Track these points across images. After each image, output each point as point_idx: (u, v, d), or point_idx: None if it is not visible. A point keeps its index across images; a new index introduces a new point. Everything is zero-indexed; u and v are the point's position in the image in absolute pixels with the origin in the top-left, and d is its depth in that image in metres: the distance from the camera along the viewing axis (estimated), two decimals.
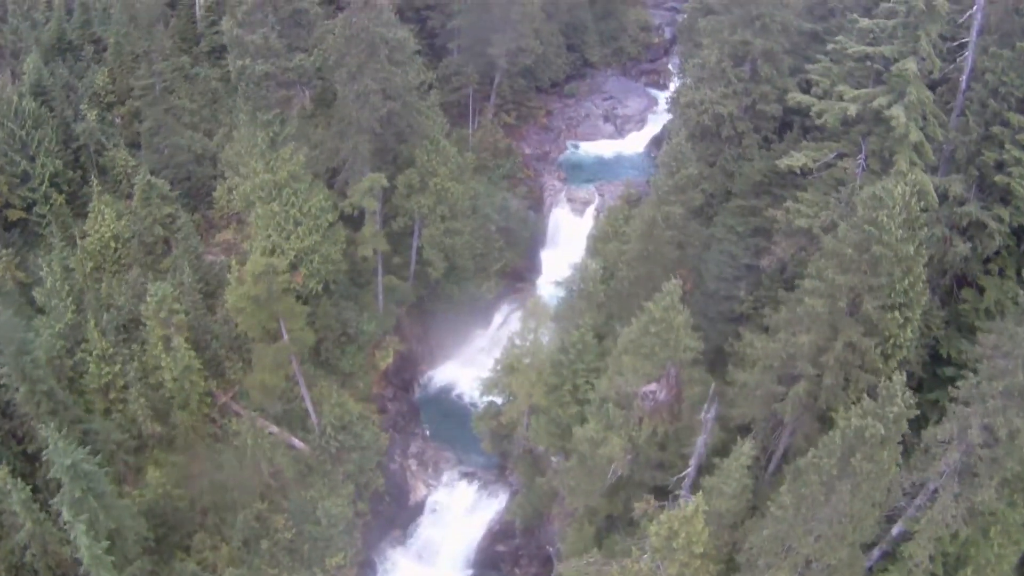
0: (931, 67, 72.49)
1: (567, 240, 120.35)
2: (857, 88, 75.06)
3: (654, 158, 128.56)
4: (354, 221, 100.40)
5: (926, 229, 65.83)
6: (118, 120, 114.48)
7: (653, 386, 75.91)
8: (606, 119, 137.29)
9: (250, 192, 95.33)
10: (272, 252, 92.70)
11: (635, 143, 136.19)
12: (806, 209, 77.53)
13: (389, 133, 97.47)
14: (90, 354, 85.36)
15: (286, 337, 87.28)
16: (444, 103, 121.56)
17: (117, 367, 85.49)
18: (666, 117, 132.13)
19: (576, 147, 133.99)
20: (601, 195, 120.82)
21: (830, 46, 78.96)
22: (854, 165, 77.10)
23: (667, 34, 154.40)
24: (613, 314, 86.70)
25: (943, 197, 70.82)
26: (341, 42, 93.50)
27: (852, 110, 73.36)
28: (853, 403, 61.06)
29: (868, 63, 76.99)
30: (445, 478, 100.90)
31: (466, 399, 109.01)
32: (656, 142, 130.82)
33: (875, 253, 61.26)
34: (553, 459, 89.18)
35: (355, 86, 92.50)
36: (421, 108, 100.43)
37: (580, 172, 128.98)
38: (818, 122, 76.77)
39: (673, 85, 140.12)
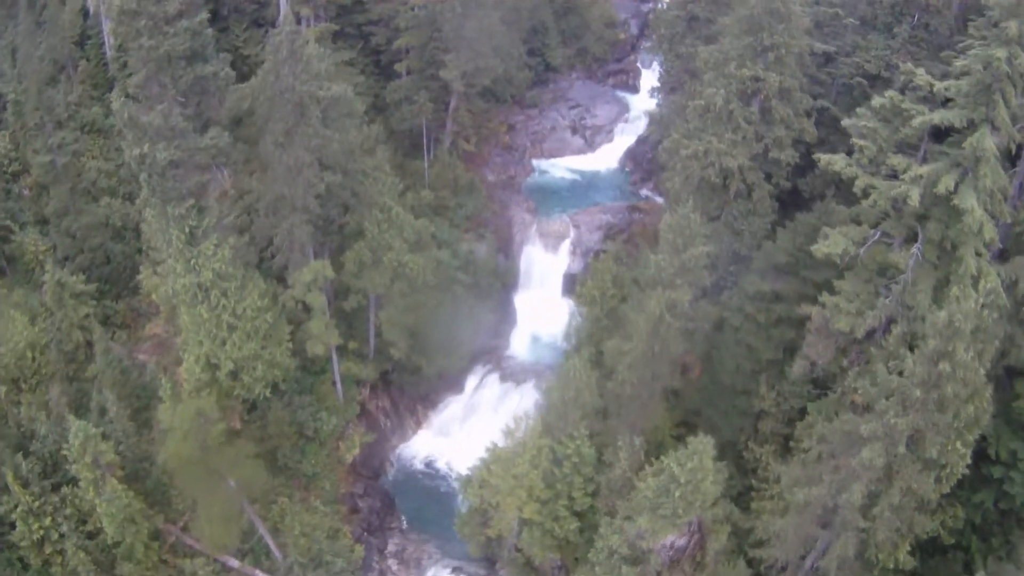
0: (1008, 140, 56.52)
1: (541, 280, 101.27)
2: (908, 156, 59.54)
3: (628, 172, 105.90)
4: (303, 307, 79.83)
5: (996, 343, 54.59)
6: (26, 192, 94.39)
7: (672, 537, 63.95)
8: (574, 131, 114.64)
9: (171, 296, 76.49)
10: (206, 362, 75.85)
11: (607, 156, 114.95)
12: (846, 305, 62.00)
13: (331, 206, 76.24)
14: (14, 508, 70.22)
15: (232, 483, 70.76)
16: (395, 132, 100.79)
17: (48, 520, 70.91)
18: (638, 125, 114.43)
19: (543, 172, 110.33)
20: (576, 227, 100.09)
21: (877, 100, 60.63)
22: (906, 255, 60.31)
23: (633, 28, 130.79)
24: (611, 412, 71.94)
25: (1007, 288, 57.43)
26: (263, 106, 72.76)
27: (913, 196, 56.49)
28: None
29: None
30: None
31: (444, 473, 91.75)
32: (631, 155, 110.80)
33: (947, 392, 50.49)
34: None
35: (284, 158, 71.19)
36: (368, 170, 76.62)
37: (550, 198, 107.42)
38: (865, 203, 60.50)
39: (645, 85, 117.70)
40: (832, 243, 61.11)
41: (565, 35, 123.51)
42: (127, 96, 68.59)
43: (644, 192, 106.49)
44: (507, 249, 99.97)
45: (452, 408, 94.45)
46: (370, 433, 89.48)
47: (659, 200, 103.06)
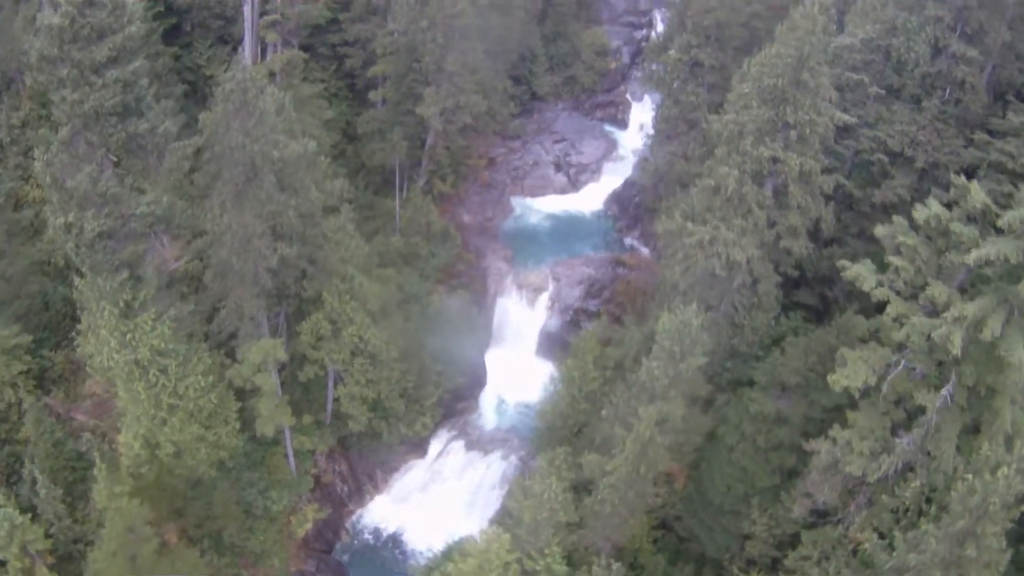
0: None
1: (516, 336, 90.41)
2: (948, 285, 49.40)
3: (613, 217, 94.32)
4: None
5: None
6: None
7: None
8: (558, 168, 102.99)
9: (106, 369, 64.22)
10: (145, 440, 64.82)
11: (591, 197, 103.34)
12: (858, 444, 52.33)
13: (286, 274, 65.06)
14: None
15: None
16: (365, 166, 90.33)
17: None
18: (625, 165, 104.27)
19: (523, 214, 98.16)
20: (556, 279, 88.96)
21: (921, 214, 49.93)
22: (933, 396, 50.06)
23: (625, 56, 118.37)
24: (587, 525, 62.11)
25: None
26: (210, 163, 62.01)
27: (955, 341, 46.19)
28: None
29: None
30: None
31: (401, 544, 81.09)
32: (617, 199, 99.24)
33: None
34: None
35: (232, 225, 60.14)
36: (330, 233, 64.95)
37: (530, 244, 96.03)
38: (896, 335, 50.16)
39: (635, 120, 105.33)
40: (851, 374, 50.86)
41: (553, 62, 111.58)
42: (48, 154, 56.17)
43: (629, 241, 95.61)
44: (481, 301, 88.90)
45: (413, 473, 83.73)
46: (324, 509, 78.93)
47: (644, 251, 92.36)
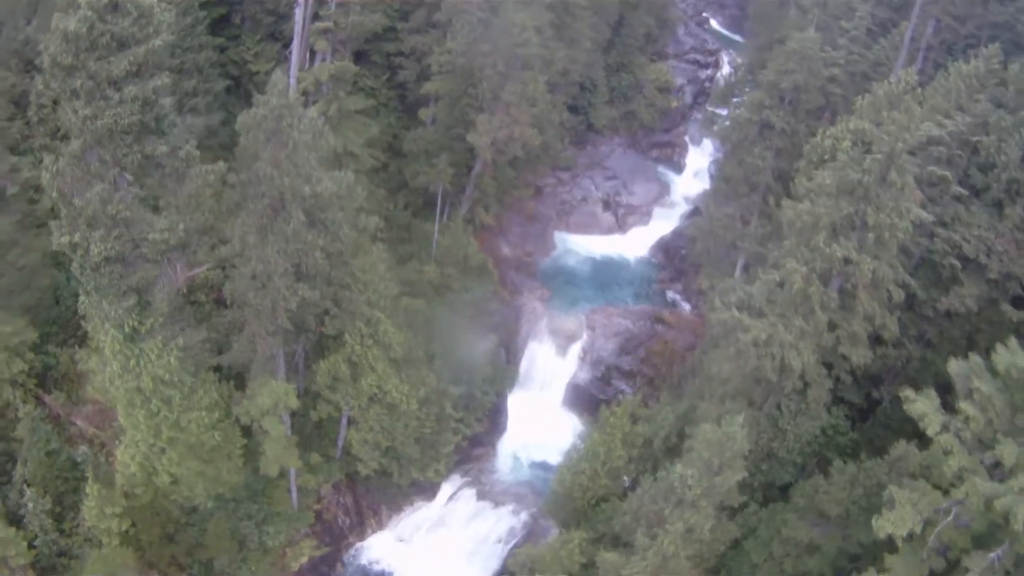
0: None
1: (542, 383, 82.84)
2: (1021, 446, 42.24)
3: (657, 266, 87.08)
4: None
5: None
6: None
7: None
8: (606, 206, 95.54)
9: (106, 391, 58.77)
10: (142, 464, 58.74)
11: (637, 242, 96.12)
12: None
13: (306, 312, 57.78)
14: None
15: None
16: (408, 185, 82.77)
17: None
18: (676, 212, 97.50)
19: (565, 251, 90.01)
20: (591, 328, 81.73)
21: (1003, 360, 43.36)
22: (980, 557, 43.79)
23: (687, 96, 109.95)
24: None
25: None
26: (235, 191, 54.77)
27: (1018, 515, 40.16)
28: None
29: None
30: None
31: None
32: (663, 247, 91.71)
33: None
34: None
35: (253, 262, 53.10)
36: (359, 272, 57.93)
37: (568, 285, 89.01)
38: (955, 493, 44.19)
39: (691, 165, 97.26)
40: (898, 520, 44.33)
41: (614, 94, 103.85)
42: (58, 165, 48.91)
43: (671, 295, 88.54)
44: (510, 343, 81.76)
45: (420, 515, 76.34)
46: (322, 546, 71.79)
47: (685, 308, 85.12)
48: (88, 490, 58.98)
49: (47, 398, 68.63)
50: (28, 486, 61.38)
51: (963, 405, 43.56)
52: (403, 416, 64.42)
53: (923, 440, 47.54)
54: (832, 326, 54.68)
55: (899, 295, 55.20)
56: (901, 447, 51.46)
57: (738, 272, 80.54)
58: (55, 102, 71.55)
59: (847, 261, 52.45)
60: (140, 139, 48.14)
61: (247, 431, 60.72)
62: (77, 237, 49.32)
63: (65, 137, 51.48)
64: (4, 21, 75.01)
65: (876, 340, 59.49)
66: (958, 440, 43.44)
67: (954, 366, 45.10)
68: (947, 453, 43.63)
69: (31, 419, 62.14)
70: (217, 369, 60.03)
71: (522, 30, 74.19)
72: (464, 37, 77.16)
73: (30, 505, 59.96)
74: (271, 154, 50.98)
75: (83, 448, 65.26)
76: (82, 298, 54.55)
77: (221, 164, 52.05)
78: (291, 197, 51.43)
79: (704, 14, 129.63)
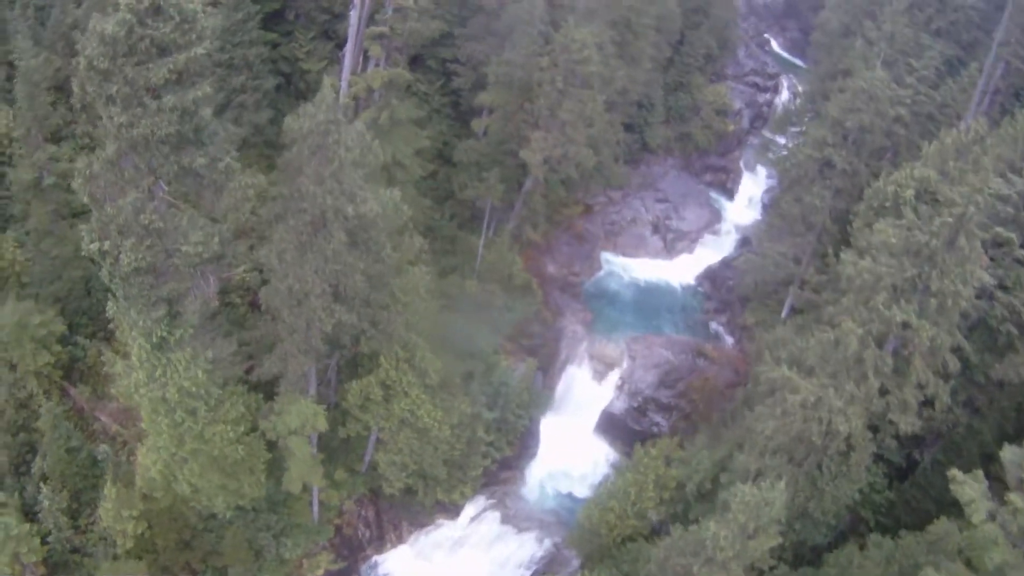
0: None
1: (577, 409, 78.76)
2: None
3: (702, 295, 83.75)
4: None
5: None
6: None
7: None
8: (655, 230, 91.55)
9: (130, 396, 55.03)
10: (162, 470, 55.61)
11: (684, 268, 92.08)
12: None
13: (342, 332, 54.50)
14: None
15: None
16: (455, 196, 79.36)
17: None
18: (726, 241, 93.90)
19: (610, 273, 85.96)
20: (632, 357, 78.05)
21: None
22: None
23: (744, 120, 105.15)
24: None
25: None
26: (276, 204, 52.15)
27: None
28: None
29: None
30: None
31: None
32: (710, 276, 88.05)
33: None
34: None
35: (288, 280, 49.42)
36: (399, 293, 54.65)
37: (611, 308, 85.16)
38: None
39: (743, 192, 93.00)
40: None
41: (671, 113, 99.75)
42: (92, 168, 45.39)
43: (715, 326, 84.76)
44: (549, 366, 78.18)
45: (441, 532, 72.69)
46: (340, 560, 68.38)
47: (728, 342, 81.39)
48: (106, 491, 56.89)
49: (72, 391, 66.31)
50: (45, 482, 59.26)
51: (1012, 496, 41.04)
52: (433, 440, 61.22)
53: (962, 509, 44.45)
54: (883, 391, 51.31)
55: (955, 365, 51.76)
56: (941, 526, 48.31)
57: (785, 311, 77.46)
58: None
59: (905, 326, 49.18)
60: (177, 149, 44.68)
61: (272, 444, 57.80)
62: (107, 245, 46.08)
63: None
64: (53, 3, 72.04)
65: (923, 402, 56.05)
66: (1003, 532, 40.89)
67: (1008, 453, 42.74)
68: (991, 544, 41.04)
69: (53, 416, 59.50)
70: (247, 379, 56.78)
71: (583, 47, 70.20)
72: (523, 49, 73.62)
73: (46, 503, 58.04)
74: (315, 170, 47.69)
75: (104, 447, 63.04)
76: (110, 304, 51.31)
77: (261, 178, 48.96)
78: (333, 216, 48.14)
79: (765, 35, 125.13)
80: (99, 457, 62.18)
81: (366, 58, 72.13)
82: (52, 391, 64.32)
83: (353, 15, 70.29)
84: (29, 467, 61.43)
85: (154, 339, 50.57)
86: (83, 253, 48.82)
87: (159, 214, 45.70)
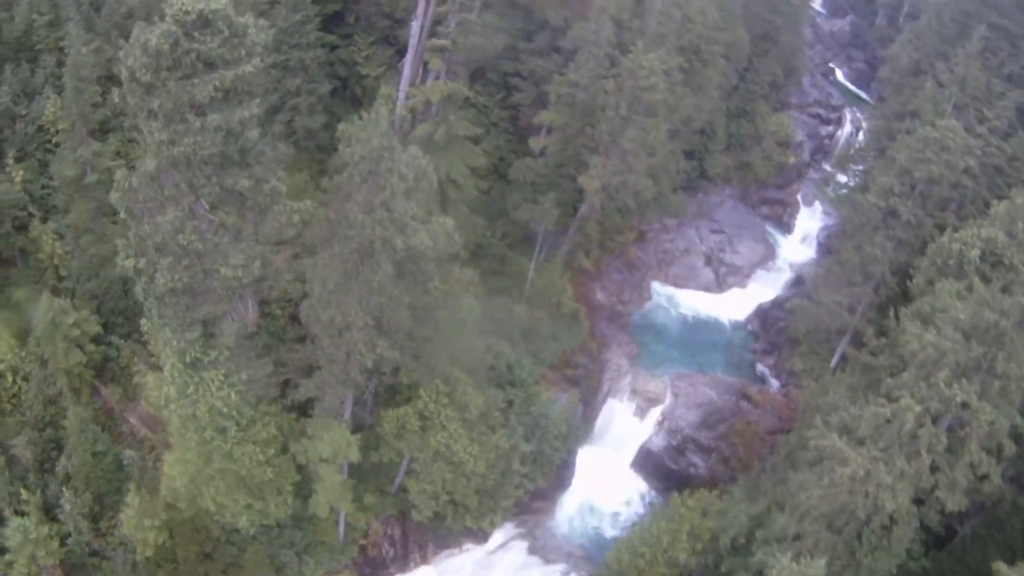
0: None
1: (615, 442, 74.73)
2: None
3: (751, 334, 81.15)
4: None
5: None
6: None
7: None
8: (708, 261, 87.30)
9: (161, 408, 52.28)
10: (188, 483, 52.75)
11: (735, 305, 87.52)
12: None
13: (382, 365, 50.90)
14: None
15: None
16: (508, 215, 74.90)
17: None
18: (779, 278, 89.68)
19: (659, 305, 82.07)
20: (675, 394, 74.34)
21: None
22: None
23: (805, 153, 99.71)
24: None
25: None
26: (322, 228, 48.28)
27: None
28: None
29: None
30: None
31: None
32: (760, 315, 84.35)
33: None
34: None
35: (329, 310, 45.64)
36: (445, 327, 50.81)
37: (657, 341, 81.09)
38: None
39: (800, 228, 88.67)
40: None
41: (732, 140, 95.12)
42: (131, 180, 41.82)
43: (761, 368, 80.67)
44: (590, 397, 74.50)
45: (467, 556, 69.37)
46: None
47: (774, 385, 77.40)
48: (129, 499, 54.48)
49: (103, 390, 63.68)
50: (68, 482, 57.03)
51: None
52: (467, 472, 57.85)
53: None
54: (933, 468, 48.40)
55: (1011, 448, 49.15)
56: None
57: (835, 360, 73.89)
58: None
59: (965, 406, 46.52)
60: (221, 170, 41.07)
61: (302, 466, 54.86)
62: (143, 262, 42.93)
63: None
64: None
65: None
66: None
67: None
68: None
69: (80, 419, 56.79)
70: (281, 398, 53.39)
71: (650, 73, 66.13)
72: (588, 71, 69.81)
73: (67, 507, 55.47)
74: (365, 197, 44.36)
75: (130, 452, 60.49)
76: (144, 320, 47.98)
77: (308, 203, 45.07)
78: (381, 247, 44.77)
79: (831, 64, 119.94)
80: (125, 462, 59.75)
81: (426, 69, 68.48)
82: (82, 389, 61.94)
83: (415, 25, 66.70)
84: (54, 464, 59.02)
85: (187, 359, 47.40)
86: (118, 269, 45.74)
87: (199, 234, 42.41)
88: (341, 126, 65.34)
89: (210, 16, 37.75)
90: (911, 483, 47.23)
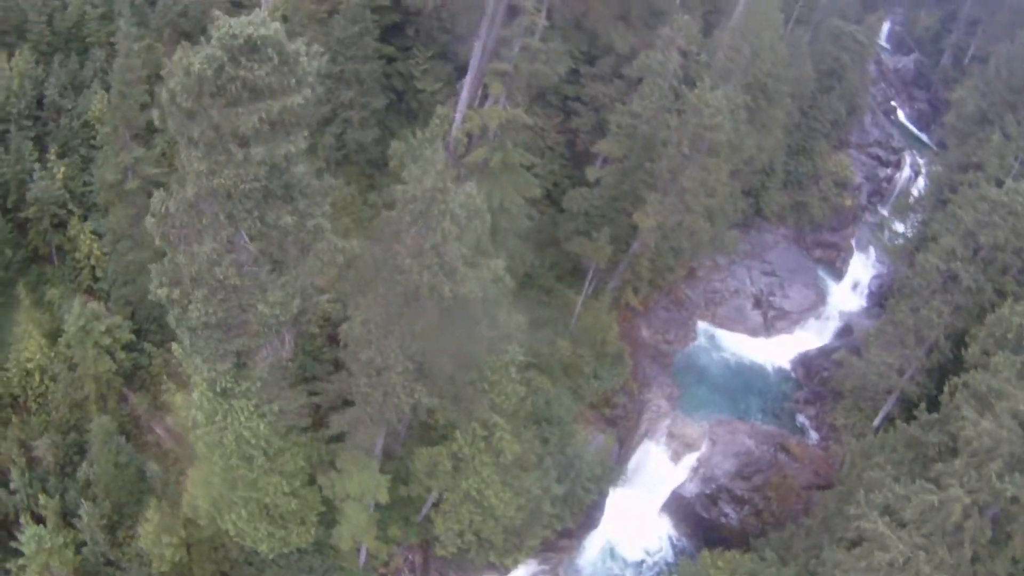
0: None
1: (647, 484, 70.61)
2: None
3: (795, 382, 79.10)
4: None
5: None
6: None
7: None
8: (757, 304, 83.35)
9: (188, 429, 49.14)
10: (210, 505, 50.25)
11: (780, 350, 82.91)
12: None
13: (419, 409, 48.12)
14: None
15: None
16: (558, 243, 71.45)
17: None
18: (827, 327, 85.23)
19: (703, 347, 78.39)
20: (712, 441, 70.68)
21: None
22: None
23: (863, 196, 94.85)
24: None
25: None
26: (366, 266, 44.17)
27: None
28: None
29: None
30: None
31: None
32: (805, 363, 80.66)
33: None
34: None
35: (369, 351, 42.21)
36: (489, 373, 47.75)
37: (699, 385, 76.90)
38: None
39: (852, 274, 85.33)
40: None
41: (790, 177, 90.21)
42: (168, 204, 38.34)
43: (801, 419, 76.51)
44: (626, 438, 70.94)
45: None
46: None
47: (814, 438, 73.82)
48: (149, 514, 52.32)
49: (132, 397, 60.91)
50: (88, 488, 55.05)
51: None
52: (497, 516, 54.53)
53: None
54: (975, 558, 45.02)
55: None
56: None
57: (879, 420, 69.92)
58: None
59: (1014, 500, 43.09)
60: (263, 204, 37.44)
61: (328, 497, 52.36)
62: (177, 293, 39.64)
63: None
64: None
65: None
66: None
67: None
68: None
69: (104, 430, 54.05)
70: (312, 428, 50.13)
71: (716, 112, 62.26)
72: (652, 104, 66.07)
73: (85, 518, 52.78)
74: (414, 240, 40.51)
75: (153, 465, 57.93)
76: (176, 345, 44.70)
77: (354, 243, 41.51)
78: (428, 293, 40.87)
79: (893, 103, 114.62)
80: (147, 474, 57.06)
81: (485, 92, 64.66)
82: (110, 395, 59.41)
83: (477, 46, 63.12)
84: (75, 469, 56.79)
85: (217, 388, 44.24)
86: (158, 260, 42.47)
87: (236, 268, 38.94)
88: (394, 144, 61.99)
89: (259, 42, 34.06)
90: (950, 573, 44.03)
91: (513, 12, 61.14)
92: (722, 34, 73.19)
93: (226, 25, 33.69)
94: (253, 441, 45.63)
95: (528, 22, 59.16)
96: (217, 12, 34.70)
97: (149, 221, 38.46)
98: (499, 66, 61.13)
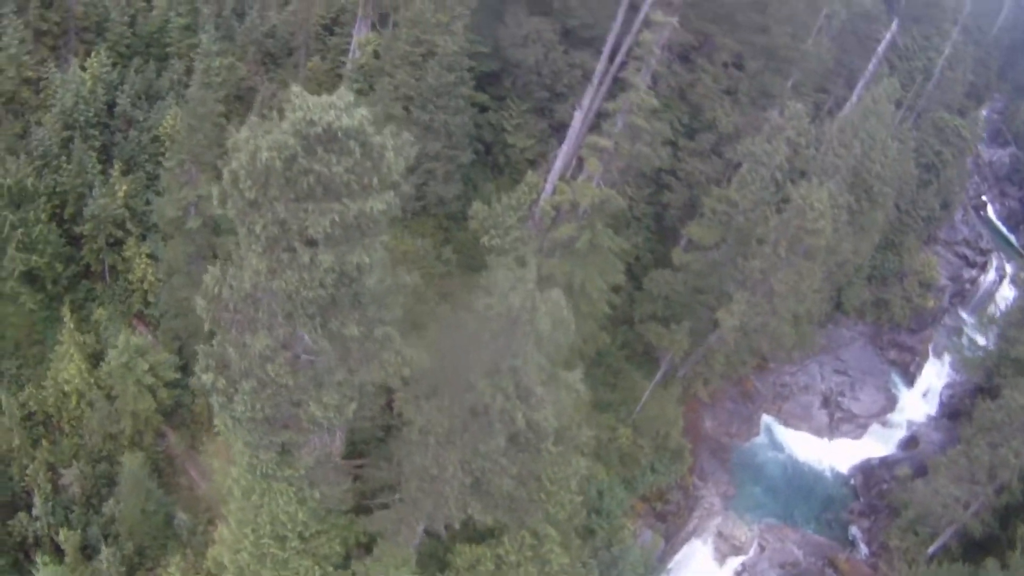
0: None
1: None
2: None
3: (852, 491, 73.59)
4: None
5: None
6: None
7: None
8: (824, 404, 76.94)
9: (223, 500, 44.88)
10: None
11: (842, 455, 76.04)
12: None
13: None
14: None
15: None
16: (631, 325, 65.99)
17: None
18: (893, 435, 78.77)
19: (765, 444, 71.90)
20: (761, 547, 65.39)
21: None
22: None
23: (946, 298, 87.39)
24: None
25: None
26: (435, 375, 37.87)
27: None
28: None
29: None
30: None
31: None
32: (865, 472, 74.79)
33: None
34: None
35: (424, 458, 38.02)
36: (547, 483, 43.38)
37: (756, 484, 70.70)
38: None
39: (925, 379, 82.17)
40: None
41: (874, 272, 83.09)
42: (224, 282, 32.75)
43: (854, 531, 69.97)
44: (674, 532, 64.99)
45: None
46: None
47: (863, 553, 67.55)
48: (173, 567, 48.90)
49: (170, 435, 56.03)
50: (110, 530, 51.15)
51: None
52: None
53: None
54: None
55: None
56: None
57: (935, 548, 64.31)
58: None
59: None
60: (327, 313, 31.63)
61: None
62: (223, 382, 34.05)
63: None
64: (252, 6, 60.74)
65: None
66: None
67: None
68: None
69: (134, 476, 49.53)
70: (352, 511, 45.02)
71: (819, 216, 55.52)
72: (751, 195, 59.51)
73: (105, 564, 49.15)
74: (491, 359, 34.67)
75: (182, 516, 53.03)
76: (217, 423, 39.40)
77: (424, 355, 35.61)
78: (497, 416, 35.14)
79: (984, 197, 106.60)
80: (175, 520, 52.22)
81: (579, 163, 58.77)
82: (147, 431, 54.51)
83: (577, 116, 57.44)
84: (102, 500, 52.69)
85: (258, 473, 38.92)
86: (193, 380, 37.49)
87: (290, 367, 33.40)
88: (476, 205, 56.15)
89: (340, 132, 27.58)
90: None
91: (621, 85, 55.41)
92: (832, 126, 66.71)
93: (304, 107, 27.44)
94: (290, 525, 40.56)
95: (637, 98, 53.29)
96: (296, 88, 28.58)
97: (199, 304, 32.96)
98: (599, 141, 55.05)
